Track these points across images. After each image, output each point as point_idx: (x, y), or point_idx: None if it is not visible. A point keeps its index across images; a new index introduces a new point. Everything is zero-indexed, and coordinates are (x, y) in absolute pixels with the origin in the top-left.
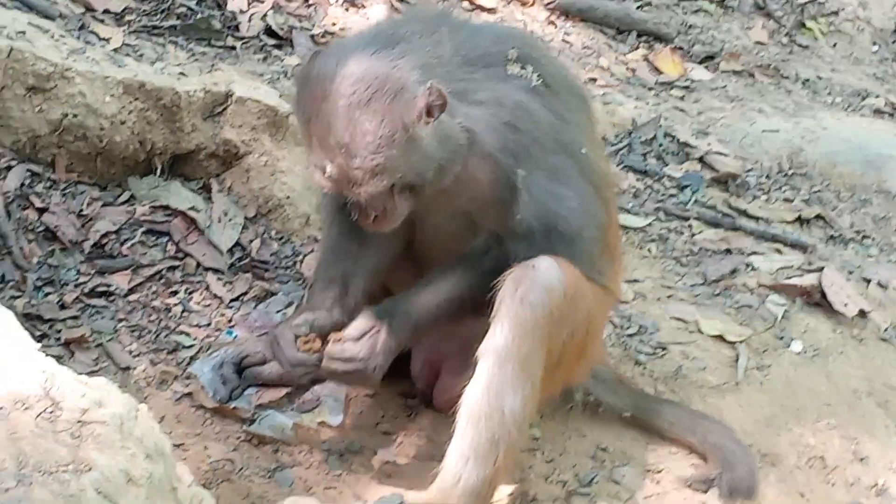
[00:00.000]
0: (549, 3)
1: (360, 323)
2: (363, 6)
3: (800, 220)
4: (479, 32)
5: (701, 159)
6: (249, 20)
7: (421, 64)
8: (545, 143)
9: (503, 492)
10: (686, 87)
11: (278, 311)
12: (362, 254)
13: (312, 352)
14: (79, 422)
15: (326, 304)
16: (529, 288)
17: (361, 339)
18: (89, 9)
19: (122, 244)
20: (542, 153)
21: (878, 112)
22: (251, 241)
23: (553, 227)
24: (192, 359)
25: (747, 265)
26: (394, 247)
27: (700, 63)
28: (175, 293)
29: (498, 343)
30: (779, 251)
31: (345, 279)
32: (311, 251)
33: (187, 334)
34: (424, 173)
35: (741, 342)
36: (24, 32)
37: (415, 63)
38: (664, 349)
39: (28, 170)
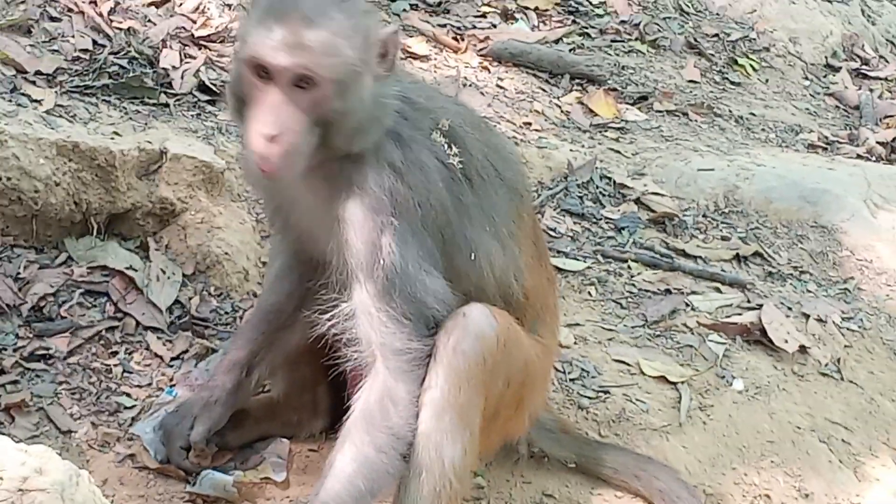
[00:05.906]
0: (481, 49)
1: None
2: None
3: (738, 258)
4: (447, 101)
5: (637, 200)
6: (182, 77)
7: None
8: (425, 215)
9: None
10: (620, 129)
11: None
12: (279, 336)
13: (201, 465)
14: (19, 490)
15: (225, 389)
16: (462, 336)
17: None
18: (20, 71)
19: (60, 306)
20: (419, 227)
21: (811, 147)
22: (190, 299)
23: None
24: (134, 419)
25: (687, 305)
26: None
27: (634, 104)
28: (115, 354)
29: (434, 394)
30: (718, 290)
31: (249, 363)
32: (251, 307)
33: (128, 395)
34: (349, 110)
35: (683, 383)
36: None
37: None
38: (607, 392)
39: None
